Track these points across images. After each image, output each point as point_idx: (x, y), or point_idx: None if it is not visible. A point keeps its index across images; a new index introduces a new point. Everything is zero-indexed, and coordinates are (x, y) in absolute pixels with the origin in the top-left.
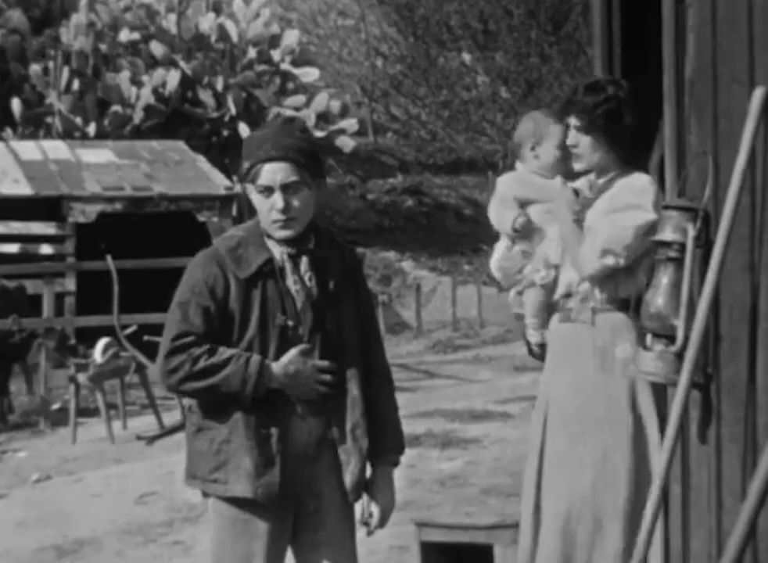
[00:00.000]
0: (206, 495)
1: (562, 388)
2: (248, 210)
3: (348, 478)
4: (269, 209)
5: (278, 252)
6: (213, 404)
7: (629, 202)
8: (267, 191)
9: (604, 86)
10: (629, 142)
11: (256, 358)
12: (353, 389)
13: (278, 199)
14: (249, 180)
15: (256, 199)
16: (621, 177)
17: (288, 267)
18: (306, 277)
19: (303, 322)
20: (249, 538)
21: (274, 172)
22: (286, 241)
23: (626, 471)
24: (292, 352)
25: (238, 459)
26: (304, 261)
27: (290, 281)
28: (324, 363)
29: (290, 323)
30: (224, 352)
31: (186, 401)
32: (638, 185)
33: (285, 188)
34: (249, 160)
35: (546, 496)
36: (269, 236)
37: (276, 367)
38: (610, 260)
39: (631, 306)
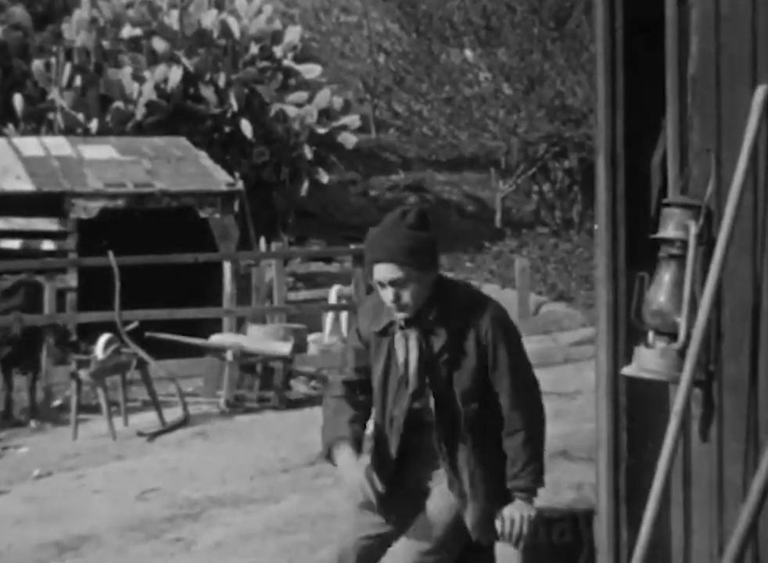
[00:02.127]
0: None
1: None
2: (249, 208)
3: (468, 520)
4: (385, 296)
5: (399, 319)
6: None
7: None
8: (380, 285)
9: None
10: None
11: (337, 439)
12: (466, 443)
13: (388, 293)
14: (368, 275)
15: (376, 285)
16: None
17: (402, 335)
18: (415, 346)
19: (410, 382)
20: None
21: (381, 271)
22: (408, 319)
23: None
24: (358, 462)
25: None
26: (413, 334)
27: (401, 347)
28: (375, 482)
29: (402, 379)
30: (341, 414)
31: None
32: None
33: (393, 283)
34: (366, 259)
35: None
36: None
37: (341, 458)
38: None
39: (631, 311)
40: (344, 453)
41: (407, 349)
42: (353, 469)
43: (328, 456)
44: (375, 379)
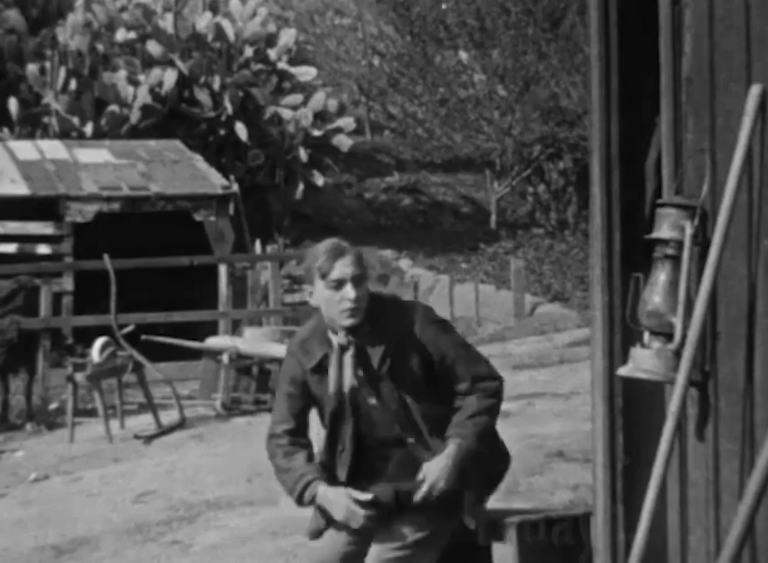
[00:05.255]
0: None
1: None
2: (244, 211)
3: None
4: (339, 300)
5: (334, 345)
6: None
7: None
8: (337, 285)
9: None
10: None
11: (307, 482)
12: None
13: (349, 290)
14: (320, 276)
15: (325, 294)
16: None
17: (336, 358)
18: (351, 367)
19: (352, 404)
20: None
21: (345, 266)
22: (350, 329)
23: None
24: (342, 492)
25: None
26: (348, 355)
27: (333, 374)
28: (365, 499)
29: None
30: (295, 458)
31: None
32: None
33: (355, 280)
34: (321, 259)
35: None
36: (330, 328)
37: (321, 495)
38: None
39: (626, 312)
40: (321, 491)
41: (342, 369)
42: (338, 500)
43: (300, 500)
44: (325, 417)
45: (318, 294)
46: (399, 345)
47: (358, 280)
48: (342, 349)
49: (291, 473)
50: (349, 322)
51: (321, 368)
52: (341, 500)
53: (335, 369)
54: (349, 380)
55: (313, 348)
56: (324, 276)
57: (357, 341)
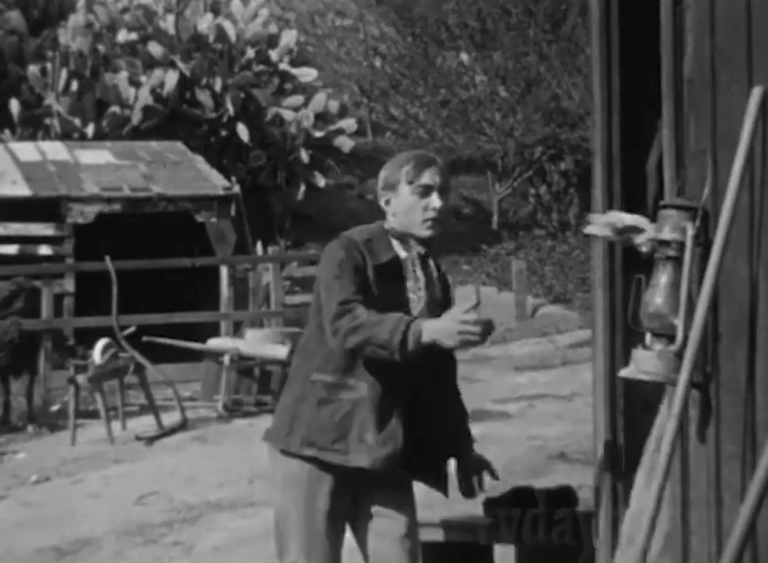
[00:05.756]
0: (284, 453)
1: None
2: (246, 212)
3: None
4: (424, 208)
5: (404, 253)
6: (344, 376)
7: None
8: (427, 190)
9: None
10: None
11: (409, 320)
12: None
13: (435, 199)
14: (407, 181)
15: (409, 200)
16: None
17: (416, 266)
18: (431, 278)
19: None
20: (334, 504)
21: (434, 174)
22: (422, 242)
23: None
24: (447, 317)
25: (361, 432)
26: (431, 263)
27: (411, 281)
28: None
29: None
30: (384, 316)
31: (314, 375)
32: None
33: (441, 190)
34: (411, 164)
35: None
36: (397, 237)
37: (428, 326)
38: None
39: (628, 313)
40: (427, 323)
41: (418, 281)
42: (447, 323)
43: (403, 344)
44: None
45: (401, 199)
46: (440, 270)
47: (445, 191)
48: (422, 258)
49: (386, 322)
50: (429, 232)
51: (387, 269)
52: (450, 323)
53: (413, 273)
54: (421, 287)
55: (378, 250)
56: (411, 181)
57: (429, 252)
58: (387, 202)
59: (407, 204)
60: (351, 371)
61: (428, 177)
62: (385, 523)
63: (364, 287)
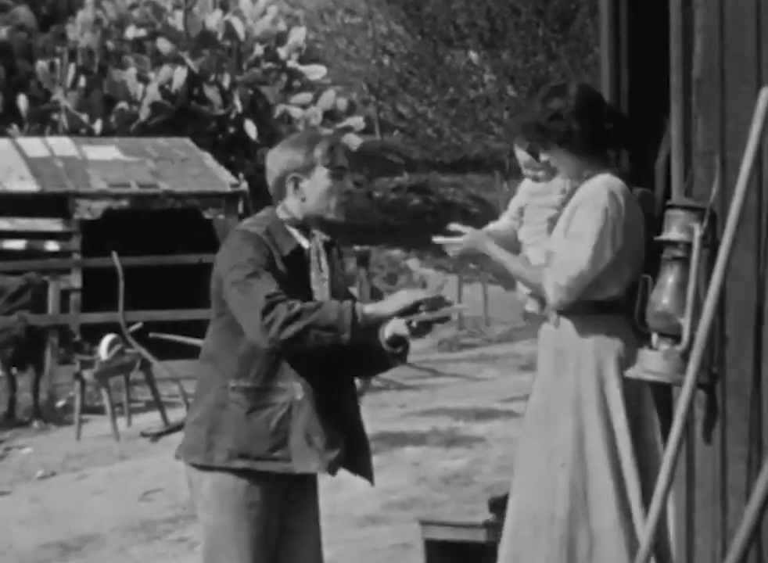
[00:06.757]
0: (207, 468)
1: (533, 387)
2: (253, 209)
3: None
4: (339, 191)
5: (306, 243)
6: (270, 379)
7: (579, 228)
8: (342, 172)
9: (546, 97)
10: (590, 145)
11: (349, 304)
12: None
13: (348, 181)
14: (325, 164)
15: (326, 184)
16: (585, 182)
17: (320, 256)
18: (335, 265)
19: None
20: (268, 515)
21: (343, 155)
22: (328, 229)
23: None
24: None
25: (307, 436)
26: (334, 251)
27: (315, 272)
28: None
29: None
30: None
31: (232, 382)
32: (591, 201)
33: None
34: (324, 145)
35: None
36: (296, 226)
37: (372, 306)
38: (564, 297)
39: (636, 306)
40: (369, 304)
41: (321, 271)
42: (393, 298)
43: (354, 323)
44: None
45: (317, 183)
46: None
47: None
48: (327, 246)
49: (327, 305)
50: (342, 217)
51: (292, 261)
52: (396, 297)
53: (316, 264)
54: (325, 276)
55: (281, 242)
56: (329, 164)
57: (334, 240)
58: (296, 186)
59: (324, 187)
60: (277, 374)
61: (342, 159)
62: (297, 544)
63: (277, 280)
